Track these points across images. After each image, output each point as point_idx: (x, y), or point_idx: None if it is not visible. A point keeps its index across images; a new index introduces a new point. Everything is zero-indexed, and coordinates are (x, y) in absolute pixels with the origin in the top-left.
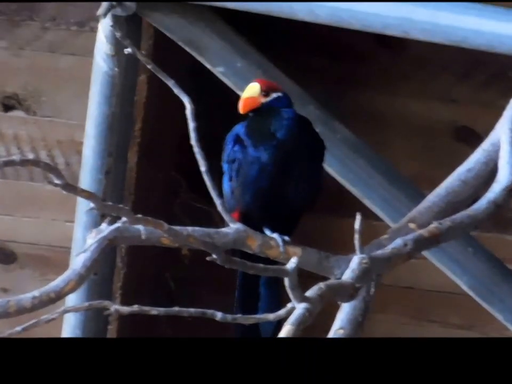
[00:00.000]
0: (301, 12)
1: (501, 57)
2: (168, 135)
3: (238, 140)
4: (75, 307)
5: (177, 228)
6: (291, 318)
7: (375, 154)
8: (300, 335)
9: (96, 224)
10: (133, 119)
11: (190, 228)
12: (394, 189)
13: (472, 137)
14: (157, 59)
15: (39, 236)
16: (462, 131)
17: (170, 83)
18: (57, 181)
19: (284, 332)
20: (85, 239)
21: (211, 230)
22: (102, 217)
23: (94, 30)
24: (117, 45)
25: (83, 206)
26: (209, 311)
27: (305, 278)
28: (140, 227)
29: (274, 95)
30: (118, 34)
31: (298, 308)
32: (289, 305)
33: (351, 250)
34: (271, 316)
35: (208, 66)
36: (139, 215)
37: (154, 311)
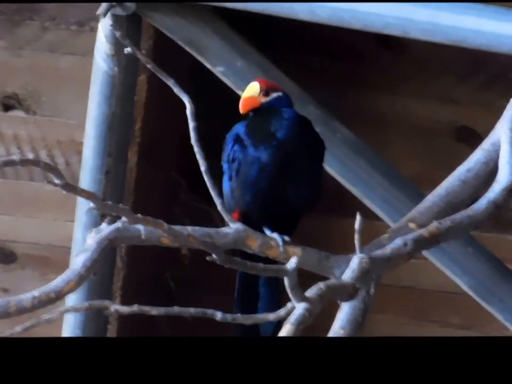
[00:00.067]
0: (301, 11)
1: (501, 58)
2: (168, 135)
3: (238, 140)
4: (75, 307)
5: (177, 227)
6: (291, 318)
7: (375, 154)
8: (299, 335)
9: (96, 224)
10: (133, 119)
11: (190, 228)
12: (394, 189)
13: (472, 137)
14: (157, 59)
15: (39, 236)
16: (462, 131)
17: (170, 82)
18: (57, 181)
19: (284, 332)
20: (85, 239)
21: (211, 230)
22: (102, 217)
23: (94, 30)
24: (117, 45)
25: (83, 206)
26: (209, 311)
27: (305, 278)
28: (140, 227)
29: (274, 94)
30: (117, 34)
31: (298, 308)
32: (289, 305)
33: (351, 250)
34: (271, 316)
35: (208, 66)
36: (139, 215)
37: (154, 311)
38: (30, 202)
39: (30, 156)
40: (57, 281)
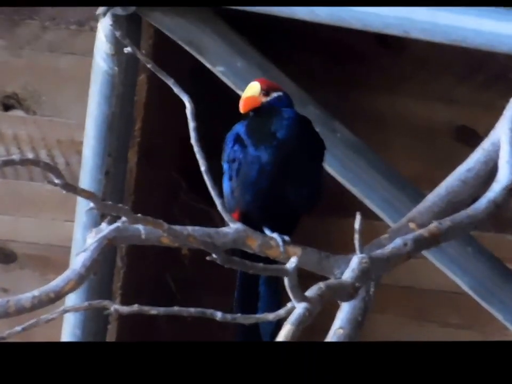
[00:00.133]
0: (301, 11)
1: (501, 58)
2: (168, 135)
3: (238, 140)
4: (75, 307)
5: (177, 227)
6: (291, 318)
7: (375, 154)
8: (299, 335)
9: (96, 224)
10: (133, 119)
11: (190, 228)
12: (394, 189)
13: (472, 137)
14: (157, 59)
15: (39, 236)
16: (462, 131)
17: (170, 82)
18: (57, 181)
19: (284, 332)
20: (84, 239)
21: (211, 230)
22: (102, 217)
23: (93, 30)
24: (117, 44)
25: (83, 206)
26: (209, 311)
27: (305, 278)
28: (140, 227)
29: (274, 94)
30: (117, 34)
31: (298, 308)
32: (289, 305)
33: (351, 250)
34: (271, 316)
35: (208, 66)
36: (139, 215)
37: (154, 310)
38: (29, 202)
39: (30, 155)
40: (57, 281)
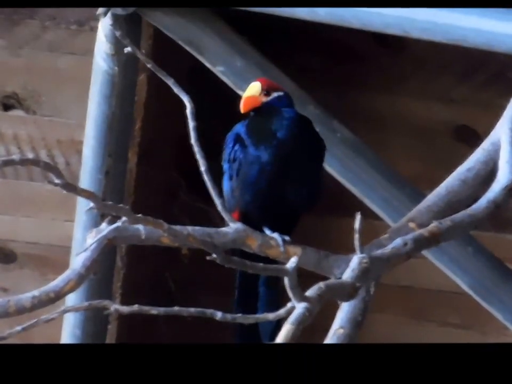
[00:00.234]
0: (301, 11)
1: (500, 58)
2: (168, 135)
3: (238, 139)
4: (75, 307)
5: (177, 227)
6: (291, 318)
7: (375, 154)
8: (299, 335)
9: (96, 223)
10: (133, 119)
11: (190, 228)
12: (394, 188)
13: (472, 137)
14: (157, 59)
15: (39, 236)
16: (462, 131)
17: (170, 82)
18: (57, 181)
19: (284, 331)
20: (84, 239)
21: (211, 230)
22: (102, 217)
23: (93, 29)
24: (117, 44)
25: (83, 205)
26: (209, 311)
27: (305, 277)
28: (140, 227)
29: (275, 94)
30: (117, 34)
31: (298, 308)
32: (289, 305)
33: (351, 250)
34: (270, 316)
35: (208, 65)
36: (139, 215)
37: (154, 310)
38: (29, 202)
39: (30, 155)
40: (57, 281)
